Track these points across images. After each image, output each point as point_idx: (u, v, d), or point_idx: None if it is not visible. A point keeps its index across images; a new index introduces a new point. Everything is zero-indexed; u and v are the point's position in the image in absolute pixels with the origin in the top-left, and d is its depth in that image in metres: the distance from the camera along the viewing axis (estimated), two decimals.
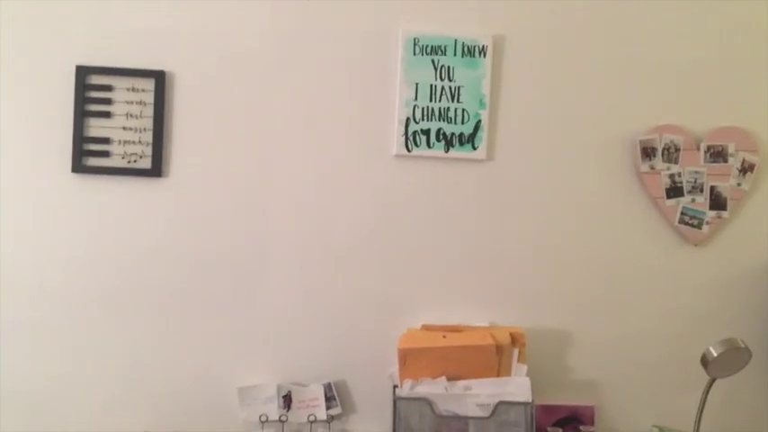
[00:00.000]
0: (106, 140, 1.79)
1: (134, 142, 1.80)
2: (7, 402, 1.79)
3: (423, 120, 1.86)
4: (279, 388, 1.81)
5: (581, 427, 1.85)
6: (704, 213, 1.90)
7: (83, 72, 1.78)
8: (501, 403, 1.71)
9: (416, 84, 1.85)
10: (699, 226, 1.90)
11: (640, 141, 1.89)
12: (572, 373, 1.92)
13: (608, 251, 1.92)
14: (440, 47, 1.85)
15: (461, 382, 1.75)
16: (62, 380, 1.81)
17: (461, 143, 1.87)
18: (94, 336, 1.82)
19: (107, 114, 1.79)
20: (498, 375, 1.77)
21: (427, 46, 1.85)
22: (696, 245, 1.92)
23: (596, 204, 1.92)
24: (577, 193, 1.91)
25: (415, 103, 1.85)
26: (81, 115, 1.78)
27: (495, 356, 1.76)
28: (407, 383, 1.74)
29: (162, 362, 1.83)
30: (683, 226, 1.90)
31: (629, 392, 1.92)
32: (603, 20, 1.90)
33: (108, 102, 1.79)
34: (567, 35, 1.90)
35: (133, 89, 1.80)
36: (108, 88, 1.79)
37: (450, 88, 1.86)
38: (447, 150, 1.87)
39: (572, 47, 1.90)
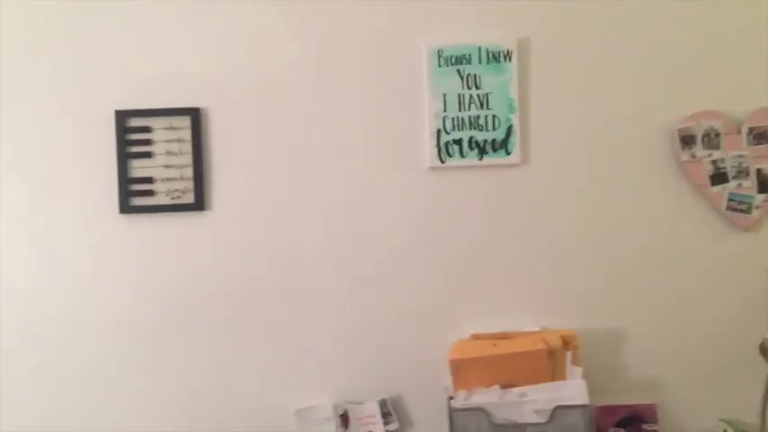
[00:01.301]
0: (149, 180, 1.86)
1: (176, 179, 1.86)
2: None
3: (454, 130, 1.86)
4: (335, 407, 1.83)
5: (643, 426, 1.81)
6: (752, 197, 1.84)
7: (122, 116, 1.85)
8: (558, 408, 1.69)
9: (444, 95, 1.86)
10: (748, 211, 1.85)
11: (678, 130, 1.85)
12: (629, 372, 1.88)
13: (655, 244, 1.88)
14: (464, 56, 1.86)
15: (516, 390, 1.73)
16: (122, 413, 1.87)
17: (495, 149, 1.87)
18: (150, 369, 1.88)
19: (148, 155, 1.86)
20: (553, 380, 1.75)
21: (451, 56, 1.86)
22: (747, 230, 1.86)
23: (639, 198, 1.88)
24: (618, 188, 1.88)
25: (444, 114, 1.86)
26: (124, 158, 1.85)
27: (547, 361, 1.74)
28: (461, 394, 1.74)
29: (218, 391, 1.88)
30: (731, 212, 1.85)
31: (692, 387, 1.87)
32: (628, 11, 1.88)
33: (148, 143, 1.86)
34: (593, 30, 1.88)
35: (171, 128, 1.86)
36: (147, 129, 1.85)
37: (478, 96, 1.86)
38: (481, 158, 1.87)
39: (598, 41, 1.88)
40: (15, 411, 1.86)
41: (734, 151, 1.85)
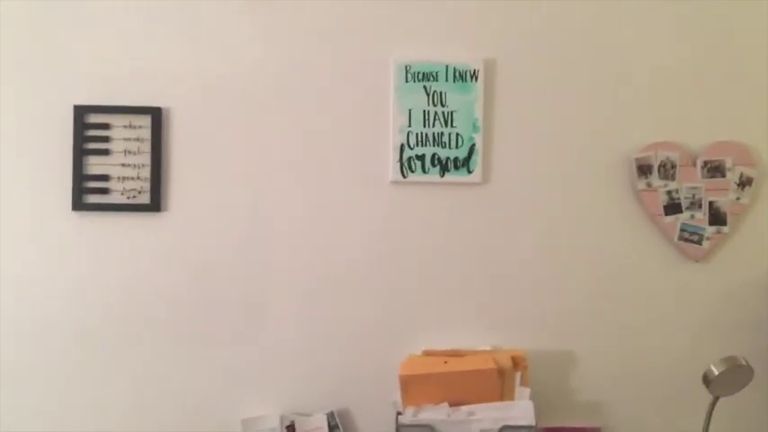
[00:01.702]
0: (105, 177, 1.82)
1: (133, 178, 1.83)
2: None
3: (417, 145, 1.87)
4: (282, 418, 1.81)
5: None
6: (704, 229, 1.89)
7: (81, 111, 1.81)
8: (504, 428, 1.70)
9: (409, 110, 1.87)
10: (699, 242, 1.89)
11: (636, 159, 1.88)
12: (576, 395, 1.90)
13: (608, 270, 1.91)
14: (431, 73, 1.87)
15: (464, 408, 1.74)
16: (64, 419, 1.82)
17: (456, 167, 1.88)
18: (96, 372, 1.83)
19: (105, 152, 1.82)
20: (501, 399, 1.76)
21: (419, 72, 1.86)
22: (697, 261, 1.90)
23: (595, 223, 1.91)
24: (575, 212, 1.91)
25: (408, 129, 1.87)
26: (80, 154, 1.81)
27: (497, 380, 1.75)
28: (410, 410, 1.74)
29: (164, 397, 1.84)
30: (683, 242, 1.89)
31: (635, 412, 1.90)
32: (594, 38, 1.91)
33: (106, 140, 1.82)
34: (558, 55, 1.90)
35: (130, 126, 1.82)
36: (106, 126, 1.82)
37: (443, 113, 1.87)
38: (442, 175, 1.87)
39: (563, 67, 1.91)
40: None
41: (688, 183, 1.89)
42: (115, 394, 1.84)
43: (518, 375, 1.78)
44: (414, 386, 1.76)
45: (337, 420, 1.83)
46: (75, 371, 1.83)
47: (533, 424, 1.71)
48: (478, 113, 1.87)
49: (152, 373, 1.84)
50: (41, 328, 1.82)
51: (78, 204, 1.81)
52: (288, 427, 1.81)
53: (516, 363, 1.78)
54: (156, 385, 1.84)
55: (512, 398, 1.77)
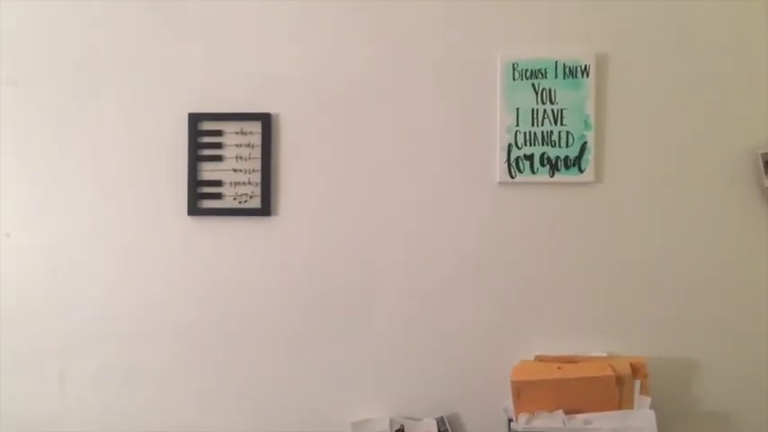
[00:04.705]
0: (218, 183, 1.87)
1: (244, 183, 1.87)
2: None
3: (525, 145, 1.82)
4: (391, 422, 1.80)
5: None
6: None
7: (195, 119, 1.87)
8: None
9: (517, 109, 1.82)
10: None
11: (762, 154, 1.76)
12: (701, 405, 1.80)
13: (732, 272, 1.80)
14: (540, 70, 1.82)
15: (580, 416, 1.68)
16: (179, 415, 1.88)
17: (567, 166, 1.82)
18: (209, 372, 1.88)
19: (219, 158, 1.87)
20: (619, 408, 1.68)
21: (527, 70, 1.82)
22: None
23: (717, 223, 1.81)
24: (696, 212, 1.81)
25: (516, 128, 1.82)
26: (195, 160, 1.87)
27: (615, 388, 1.68)
28: (523, 417, 1.69)
29: (275, 398, 1.87)
30: None
31: (764, 424, 1.78)
32: (712, 29, 1.81)
33: (219, 146, 1.87)
34: (675, 47, 1.82)
35: (242, 132, 1.87)
36: (218, 133, 1.87)
37: (552, 111, 1.82)
38: (552, 175, 1.82)
39: (680, 59, 1.81)
40: (77, 410, 1.89)
41: None
42: (226, 394, 1.88)
43: (637, 383, 1.70)
44: (527, 392, 1.71)
45: (447, 426, 1.81)
46: (185, 370, 1.88)
47: None
48: (590, 110, 1.81)
49: (264, 373, 1.87)
50: (156, 328, 1.89)
51: (194, 209, 1.87)
52: (397, 431, 1.80)
53: (636, 370, 1.70)
54: (265, 387, 1.87)
55: (630, 407, 1.69)
